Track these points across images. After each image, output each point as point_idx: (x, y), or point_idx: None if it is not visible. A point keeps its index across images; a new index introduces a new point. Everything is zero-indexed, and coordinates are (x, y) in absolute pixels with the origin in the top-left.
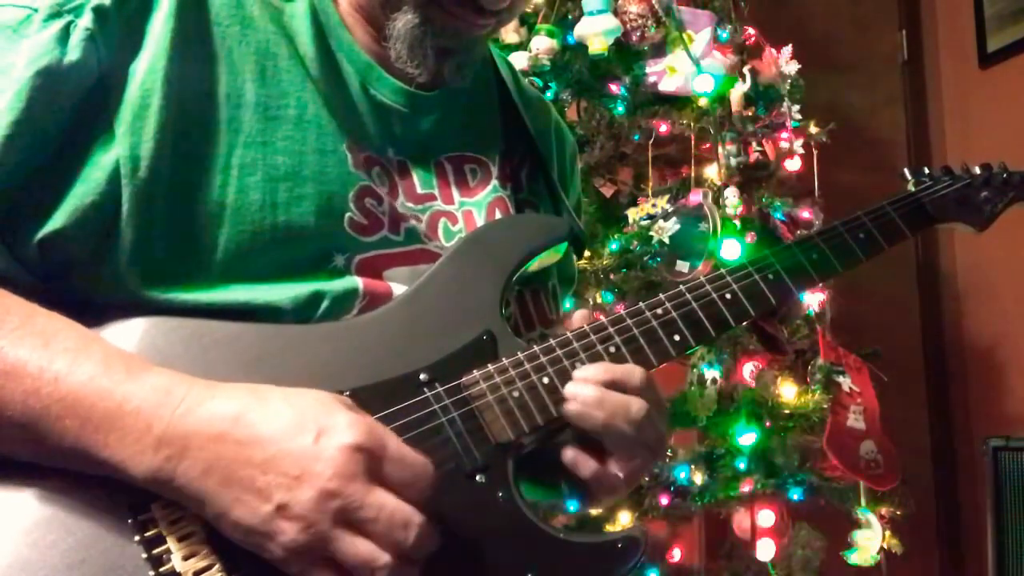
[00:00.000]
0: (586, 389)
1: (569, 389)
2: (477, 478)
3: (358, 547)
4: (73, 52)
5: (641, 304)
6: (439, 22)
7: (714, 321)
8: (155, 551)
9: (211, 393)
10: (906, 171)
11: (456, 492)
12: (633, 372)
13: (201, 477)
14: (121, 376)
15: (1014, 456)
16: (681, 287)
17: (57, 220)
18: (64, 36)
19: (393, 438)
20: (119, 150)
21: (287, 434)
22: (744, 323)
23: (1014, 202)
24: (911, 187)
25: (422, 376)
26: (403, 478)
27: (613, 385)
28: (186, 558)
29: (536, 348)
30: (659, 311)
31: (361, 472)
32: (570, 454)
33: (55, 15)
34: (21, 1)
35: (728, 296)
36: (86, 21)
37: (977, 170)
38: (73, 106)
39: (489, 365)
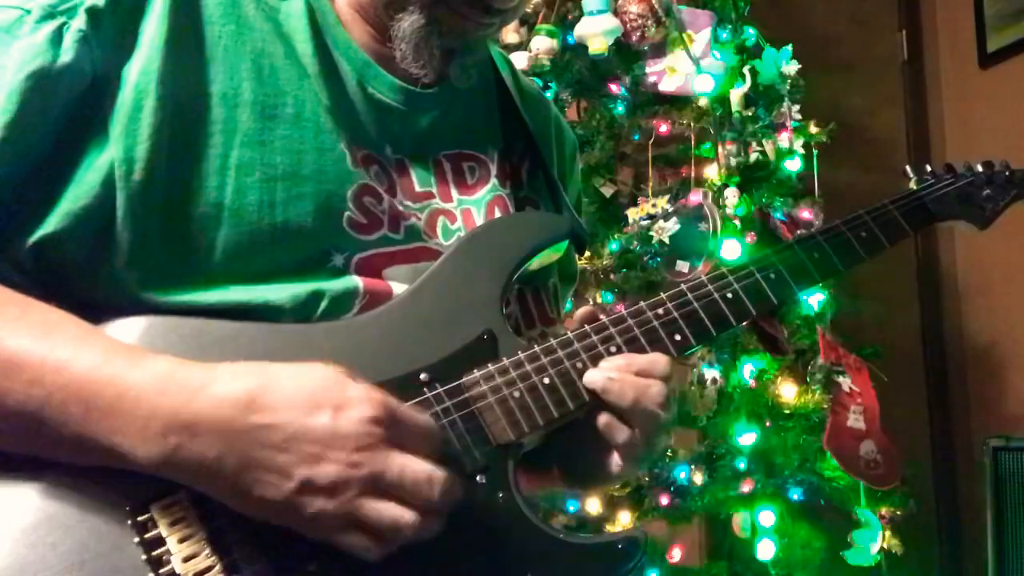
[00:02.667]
0: (614, 370)
1: (602, 364)
2: (477, 479)
3: (384, 509)
4: (66, 54)
5: (642, 303)
6: (446, 22)
7: (715, 320)
8: (155, 552)
9: (213, 375)
10: (908, 169)
11: None
12: (657, 361)
13: (217, 460)
14: (125, 363)
15: (1014, 456)
16: (682, 286)
17: (51, 224)
18: (57, 38)
19: (401, 404)
20: (113, 152)
21: (304, 413)
22: (745, 323)
23: (1016, 200)
24: (913, 185)
25: (422, 376)
26: (419, 439)
27: (638, 373)
28: (186, 559)
29: (537, 348)
30: (660, 311)
31: (380, 441)
32: (604, 419)
33: (48, 16)
34: (13, 2)
35: (729, 295)
36: (79, 23)
37: (979, 168)
38: (66, 108)
39: (490, 365)
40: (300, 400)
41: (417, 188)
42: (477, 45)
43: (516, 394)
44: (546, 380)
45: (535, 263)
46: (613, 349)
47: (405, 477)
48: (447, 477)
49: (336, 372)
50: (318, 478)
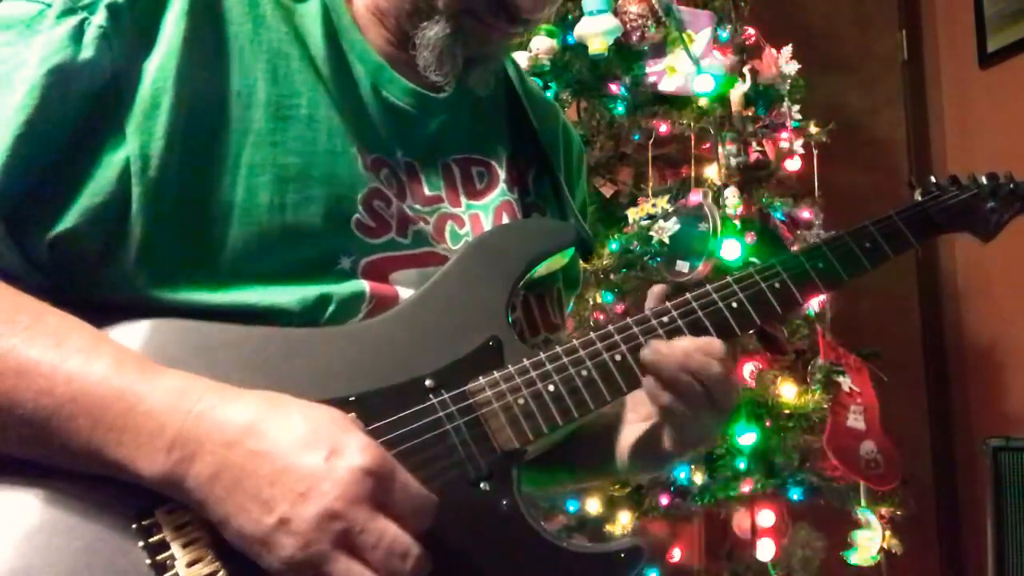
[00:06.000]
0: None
1: (655, 343)
2: (481, 486)
3: (353, 571)
4: (87, 50)
5: (647, 312)
6: (471, 31)
7: (720, 330)
8: (159, 557)
9: (227, 398)
10: (912, 180)
11: (460, 500)
12: (713, 343)
13: (209, 481)
14: (135, 377)
15: (1014, 456)
16: (687, 295)
17: (69, 219)
18: (78, 34)
19: (402, 469)
20: (129, 148)
21: (299, 449)
22: (750, 332)
23: (1020, 213)
24: (917, 196)
25: (428, 382)
26: (407, 509)
27: (697, 351)
28: (190, 564)
29: (542, 356)
30: (665, 319)
31: (367, 496)
32: (649, 383)
33: (69, 11)
34: None
35: (734, 305)
36: (100, 19)
37: (984, 180)
38: (85, 104)
39: (495, 372)
40: (298, 435)
41: (427, 192)
42: (501, 52)
43: (521, 401)
44: (551, 388)
45: (541, 269)
46: (618, 358)
47: (382, 542)
48: (423, 557)
49: (343, 417)
50: (296, 519)
